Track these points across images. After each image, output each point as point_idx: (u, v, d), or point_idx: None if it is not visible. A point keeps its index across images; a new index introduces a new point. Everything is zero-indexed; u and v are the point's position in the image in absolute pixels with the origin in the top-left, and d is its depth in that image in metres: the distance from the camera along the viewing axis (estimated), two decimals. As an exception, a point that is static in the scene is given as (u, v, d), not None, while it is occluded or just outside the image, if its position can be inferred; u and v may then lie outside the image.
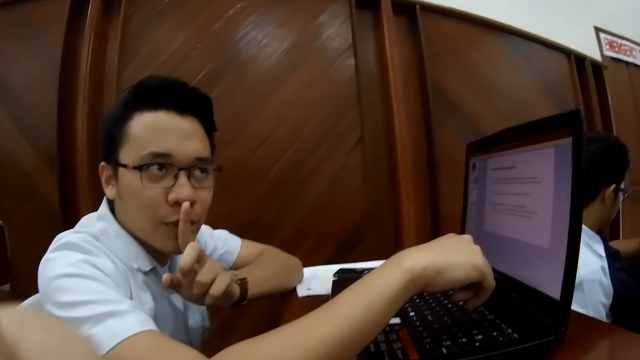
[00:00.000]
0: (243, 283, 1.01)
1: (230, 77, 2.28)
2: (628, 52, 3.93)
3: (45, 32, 2.42)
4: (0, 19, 2.46)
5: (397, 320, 0.84)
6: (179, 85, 0.90)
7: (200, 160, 0.89)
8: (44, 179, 2.40)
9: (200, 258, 0.81)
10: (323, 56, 2.38)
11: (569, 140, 0.70)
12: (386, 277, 0.62)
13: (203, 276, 0.81)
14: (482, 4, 2.76)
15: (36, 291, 1.01)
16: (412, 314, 0.87)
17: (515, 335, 0.67)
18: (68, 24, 2.36)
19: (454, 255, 0.65)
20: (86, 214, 0.96)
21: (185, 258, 0.77)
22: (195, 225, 0.91)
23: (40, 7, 2.43)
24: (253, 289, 1.04)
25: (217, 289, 0.83)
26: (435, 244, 0.71)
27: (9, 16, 2.45)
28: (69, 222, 2.31)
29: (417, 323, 0.82)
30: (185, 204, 0.83)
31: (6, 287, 1.94)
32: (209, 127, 0.97)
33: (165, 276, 0.78)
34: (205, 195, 0.92)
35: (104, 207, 0.95)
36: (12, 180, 2.43)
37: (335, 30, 2.40)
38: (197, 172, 0.89)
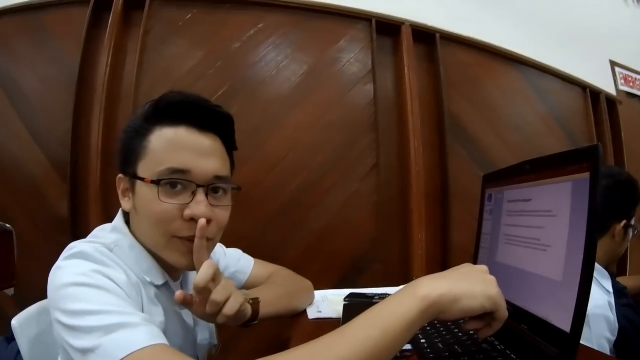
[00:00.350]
0: (255, 303, 1.00)
1: (247, 96, 2.29)
2: (640, 87, 3.93)
3: (60, 39, 2.44)
4: (15, 24, 2.48)
5: (408, 346, 0.84)
6: (201, 102, 0.90)
7: (218, 178, 0.88)
8: (54, 186, 2.40)
9: (215, 276, 0.80)
10: (341, 80, 2.39)
11: (586, 175, 0.70)
12: (402, 304, 0.63)
13: (217, 295, 0.80)
14: (498, 35, 2.78)
15: (40, 298, 1.00)
16: (422, 340, 0.88)
17: None
18: (87, 33, 2.37)
19: (469, 285, 0.66)
20: (96, 224, 0.96)
21: (200, 276, 0.76)
22: (210, 242, 0.89)
23: (56, 14, 2.46)
24: (264, 309, 1.03)
25: (230, 308, 0.82)
26: (451, 273, 0.72)
27: (24, 21, 2.47)
28: (78, 231, 2.31)
29: (428, 350, 0.83)
30: (202, 221, 0.82)
31: (10, 291, 1.94)
32: (230, 146, 0.97)
33: (178, 293, 0.78)
34: (222, 214, 0.91)
35: (118, 219, 0.94)
36: (21, 186, 2.44)
37: (355, 56, 2.42)
38: (215, 191, 0.89)
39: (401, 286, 0.70)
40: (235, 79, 2.31)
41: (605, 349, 1.27)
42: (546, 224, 0.82)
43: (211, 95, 2.22)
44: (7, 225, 1.93)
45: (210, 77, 2.31)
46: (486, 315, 0.70)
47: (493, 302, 0.67)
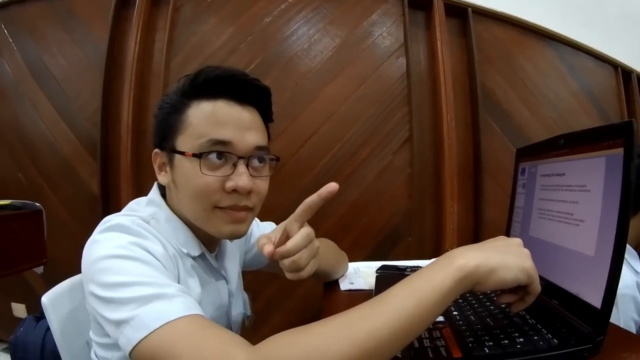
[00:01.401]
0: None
1: (280, 70, 2.30)
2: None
3: (88, 22, 2.47)
4: (44, 9, 2.51)
5: (441, 318, 0.85)
6: (240, 75, 0.89)
7: (259, 149, 0.88)
8: (85, 165, 2.43)
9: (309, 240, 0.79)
10: (374, 54, 2.39)
11: (620, 151, 0.70)
12: (438, 274, 0.63)
13: (302, 261, 0.78)
14: (531, 11, 2.75)
15: (70, 276, 1.00)
16: (455, 313, 0.88)
17: (555, 341, 0.69)
18: (115, 13, 2.40)
19: (504, 257, 0.66)
20: (127, 200, 0.96)
21: (295, 243, 0.75)
22: (251, 212, 0.90)
23: (83, -3, 2.47)
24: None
25: (308, 272, 0.81)
26: (486, 244, 0.71)
27: (53, 6, 2.49)
28: (109, 209, 2.33)
29: (460, 322, 0.83)
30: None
31: (39, 269, 1.95)
32: (267, 117, 0.97)
33: (270, 250, 0.76)
34: (263, 185, 0.91)
35: (154, 193, 0.95)
36: (52, 165, 2.47)
37: (387, 29, 2.41)
38: (256, 162, 0.88)
39: (433, 259, 0.70)
40: (267, 53, 2.32)
41: (632, 329, 1.24)
42: (580, 198, 0.81)
43: (243, 69, 2.20)
44: (37, 204, 1.94)
45: (242, 52, 2.32)
46: (519, 289, 0.70)
47: (527, 275, 0.66)
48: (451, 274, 0.62)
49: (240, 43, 2.32)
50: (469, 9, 2.52)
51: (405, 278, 0.65)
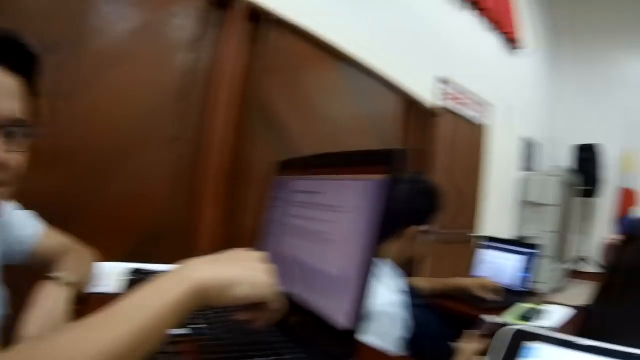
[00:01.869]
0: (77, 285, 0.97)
1: (69, 46, 2.07)
2: (462, 104, 4.37)
3: None
4: None
5: (186, 331, 0.82)
6: (10, 38, 0.79)
7: (17, 121, 0.79)
8: None
9: None
10: (165, 45, 2.33)
11: (385, 177, 0.71)
12: (169, 286, 0.61)
13: None
14: (330, 28, 2.86)
15: None
16: (203, 326, 0.87)
17: None
18: None
19: (241, 271, 0.66)
20: None
21: None
22: (3, 188, 0.81)
23: None
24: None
25: None
26: (223, 257, 0.70)
27: None
28: None
29: (207, 336, 0.82)
30: None
31: None
32: (35, 89, 0.86)
33: None
34: (17, 159, 0.81)
35: None
36: None
37: (185, 23, 2.38)
38: (11, 134, 0.79)
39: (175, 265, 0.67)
40: (62, 26, 2.06)
41: (397, 347, 1.29)
42: (334, 219, 0.82)
43: (34, 38, 2.03)
44: None
45: (39, 19, 2.00)
46: (260, 305, 0.70)
47: (266, 292, 0.67)
48: (182, 287, 0.60)
49: (39, 8, 2.01)
50: (267, 17, 2.60)
51: (139, 288, 0.61)
